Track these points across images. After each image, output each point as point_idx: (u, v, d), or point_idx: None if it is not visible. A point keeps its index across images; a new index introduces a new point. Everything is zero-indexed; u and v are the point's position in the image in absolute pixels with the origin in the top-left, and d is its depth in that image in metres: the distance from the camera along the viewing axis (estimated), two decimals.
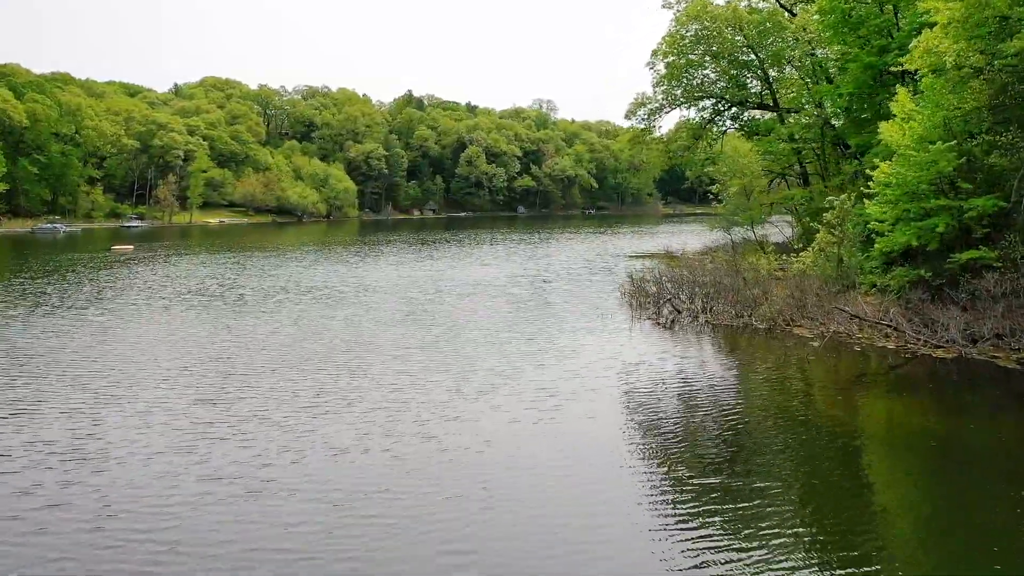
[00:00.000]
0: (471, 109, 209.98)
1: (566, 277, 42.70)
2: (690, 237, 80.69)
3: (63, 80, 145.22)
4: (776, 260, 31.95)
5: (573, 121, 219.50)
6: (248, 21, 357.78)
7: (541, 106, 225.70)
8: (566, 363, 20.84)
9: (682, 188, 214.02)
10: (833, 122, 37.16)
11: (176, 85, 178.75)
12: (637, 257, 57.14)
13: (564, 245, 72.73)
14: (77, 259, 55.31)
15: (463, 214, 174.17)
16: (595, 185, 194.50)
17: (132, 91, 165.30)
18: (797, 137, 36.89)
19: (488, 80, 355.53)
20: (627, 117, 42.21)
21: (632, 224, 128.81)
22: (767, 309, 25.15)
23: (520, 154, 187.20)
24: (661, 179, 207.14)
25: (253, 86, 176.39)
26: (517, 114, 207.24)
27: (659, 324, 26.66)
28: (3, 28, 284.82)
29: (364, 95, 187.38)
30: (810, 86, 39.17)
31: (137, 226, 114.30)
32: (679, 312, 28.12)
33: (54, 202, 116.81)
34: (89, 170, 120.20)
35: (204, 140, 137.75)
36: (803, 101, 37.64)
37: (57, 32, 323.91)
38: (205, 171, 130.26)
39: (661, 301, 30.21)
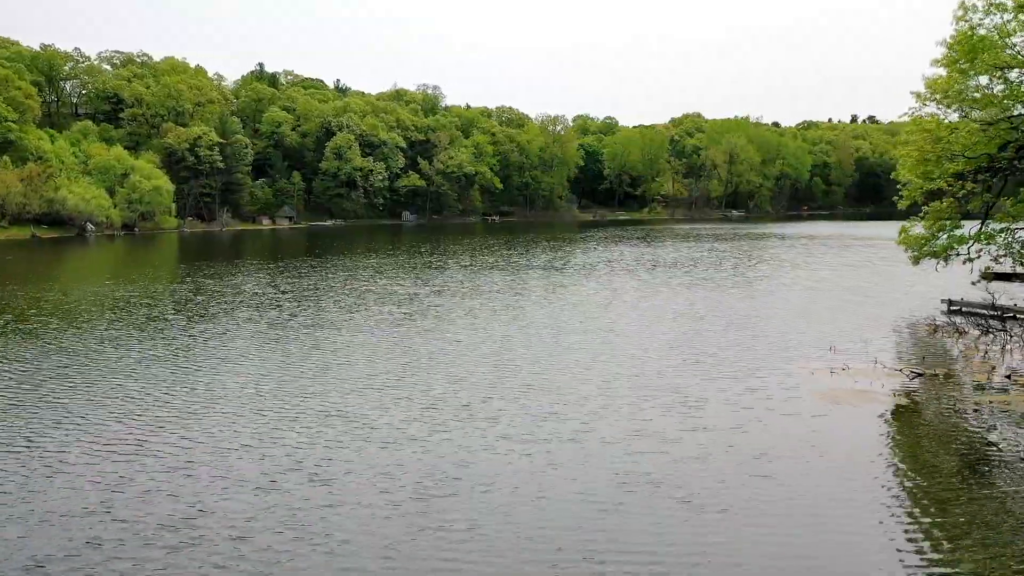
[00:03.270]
0: (341, 90, 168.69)
1: None
2: (777, 285, 41.98)
3: None
4: None
5: (469, 107, 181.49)
6: None
7: (427, 90, 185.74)
8: None
9: (599, 189, 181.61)
10: None
11: None
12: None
13: (494, 323, 35.96)
14: None
15: (330, 223, 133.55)
16: (499, 186, 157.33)
17: None
18: None
19: (358, 65, 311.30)
20: None
21: (551, 235, 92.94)
22: None
23: (405, 145, 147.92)
24: (575, 179, 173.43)
25: (35, 46, 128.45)
26: (399, 96, 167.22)
27: None
28: None
29: (197, 66, 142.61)
30: None
31: None
32: None
33: None
34: None
35: None
36: None
37: None
38: None
39: None
